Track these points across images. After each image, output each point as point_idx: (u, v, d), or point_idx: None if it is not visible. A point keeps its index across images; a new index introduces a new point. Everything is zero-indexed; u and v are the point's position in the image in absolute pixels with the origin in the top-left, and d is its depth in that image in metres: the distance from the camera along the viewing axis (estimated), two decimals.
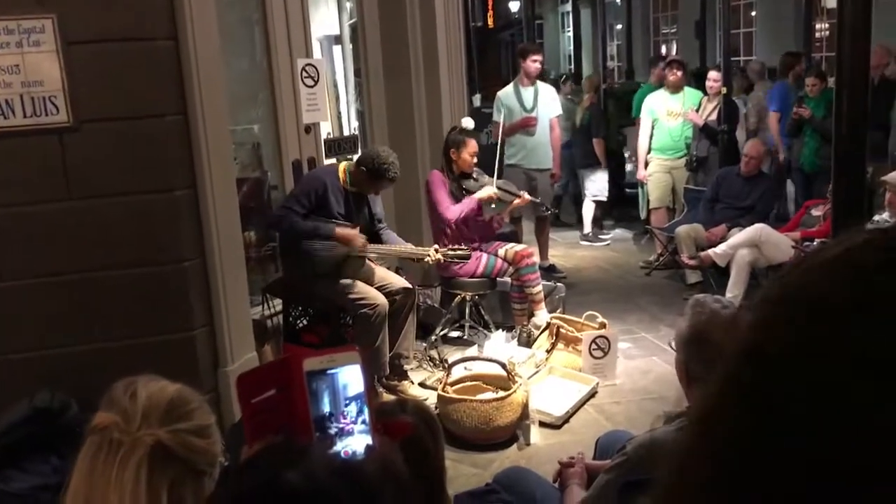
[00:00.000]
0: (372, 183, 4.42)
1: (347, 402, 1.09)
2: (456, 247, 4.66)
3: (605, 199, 8.24)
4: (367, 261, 4.53)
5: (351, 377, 1.09)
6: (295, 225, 4.27)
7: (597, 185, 8.13)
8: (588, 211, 8.24)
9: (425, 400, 4.36)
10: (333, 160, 5.08)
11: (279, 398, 1.06)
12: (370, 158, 4.38)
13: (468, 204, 4.98)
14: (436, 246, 4.60)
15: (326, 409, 1.07)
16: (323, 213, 4.32)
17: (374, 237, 4.54)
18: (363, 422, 1.08)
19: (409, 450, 1.74)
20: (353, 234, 4.31)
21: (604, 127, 8.09)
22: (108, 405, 1.35)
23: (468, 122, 5.25)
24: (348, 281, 4.37)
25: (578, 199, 8.56)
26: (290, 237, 4.38)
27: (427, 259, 4.55)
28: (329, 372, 1.07)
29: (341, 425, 1.07)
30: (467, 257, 4.68)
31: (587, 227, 8.27)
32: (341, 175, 4.42)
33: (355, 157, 4.65)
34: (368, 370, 4.34)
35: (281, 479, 0.68)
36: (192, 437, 1.32)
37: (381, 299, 4.34)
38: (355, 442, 1.07)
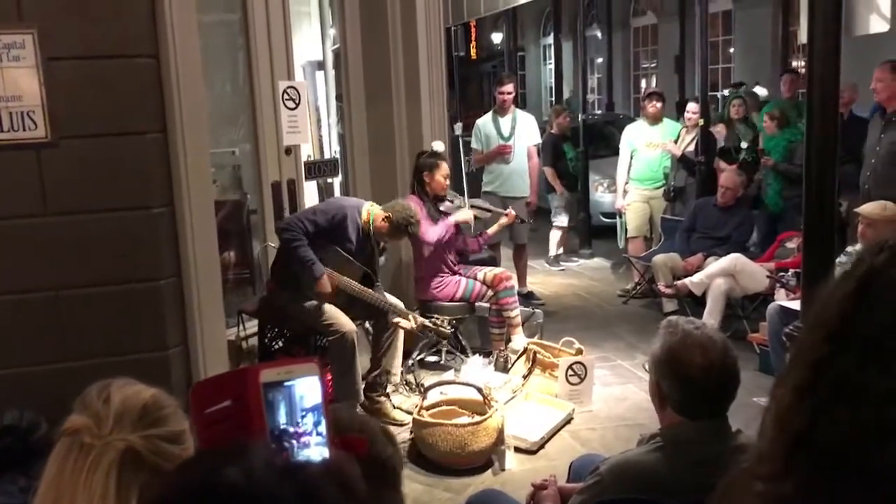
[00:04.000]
0: (392, 233, 4.53)
1: (304, 413, 1.07)
2: (438, 322, 4.67)
3: (564, 225, 8.31)
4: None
5: (308, 388, 1.07)
6: (296, 245, 4.23)
7: (557, 211, 8.22)
8: (553, 236, 8.34)
9: (404, 424, 4.36)
10: (314, 182, 5.09)
11: (234, 409, 1.04)
12: (400, 213, 4.48)
13: (445, 227, 5.01)
14: (416, 313, 4.66)
15: (283, 420, 1.05)
16: (336, 241, 4.34)
17: (368, 280, 4.55)
18: (319, 433, 1.07)
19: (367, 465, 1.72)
20: (330, 290, 4.29)
21: (550, 156, 8.15)
22: (81, 408, 1.32)
23: (438, 145, 5.29)
24: (321, 305, 4.36)
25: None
26: (286, 250, 4.35)
27: (407, 325, 4.53)
28: (286, 384, 1.05)
29: (297, 437, 1.05)
30: (447, 336, 4.75)
31: (551, 251, 8.35)
32: (364, 214, 4.47)
33: (383, 205, 4.65)
34: (345, 397, 4.32)
35: (219, 476, 0.66)
36: (164, 444, 1.30)
37: (349, 326, 4.32)
38: (312, 454, 1.05)
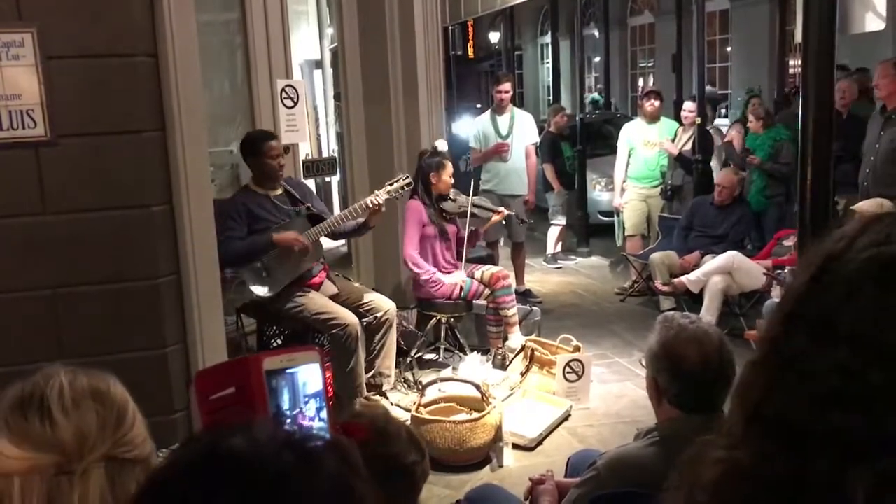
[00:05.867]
0: (262, 161, 4.32)
1: (306, 399, 1.09)
2: (393, 180, 4.56)
3: (562, 223, 8.31)
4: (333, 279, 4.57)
5: (310, 375, 1.09)
6: (234, 248, 4.18)
7: (555, 210, 8.24)
8: (550, 234, 8.36)
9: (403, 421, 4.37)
10: (312, 181, 5.11)
11: (238, 396, 1.06)
12: (243, 146, 4.40)
13: (427, 273, 5.01)
14: (375, 193, 4.49)
15: (285, 406, 1.07)
16: (259, 229, 4.30)
17: (316, 219, 4.46)
18: (322, 419, 1.09)
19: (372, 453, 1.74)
20: (290, 235, 4.25)
21: (548, 155, 8.17)
22: (25, 441, 1.14)
23: (442, 144, 5.30)
24: (319, 301, 4.36)
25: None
26: (238, 264, 4.30)
27: (373, 202, 4.39)
28: (289, 371, 1.07)
29: (300, 422, 1.07)
30: (409, 184, 4.60)
31: (549, 248, 8.37)
32: (253, 187, 4.41)
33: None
34: (347, 393, 4.34)
35: (223, 445, 0.69)
36: (128, 435, 1.21)
37: (350, 319, 4.33)
38: None
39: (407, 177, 4.62)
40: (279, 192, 4.42)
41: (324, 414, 1.08)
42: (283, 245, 4.25)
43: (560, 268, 8.32)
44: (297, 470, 0.67)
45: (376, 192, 4.50)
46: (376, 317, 4.56)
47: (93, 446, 1.15)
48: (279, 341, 4.62)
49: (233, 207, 4.31)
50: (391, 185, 4.51)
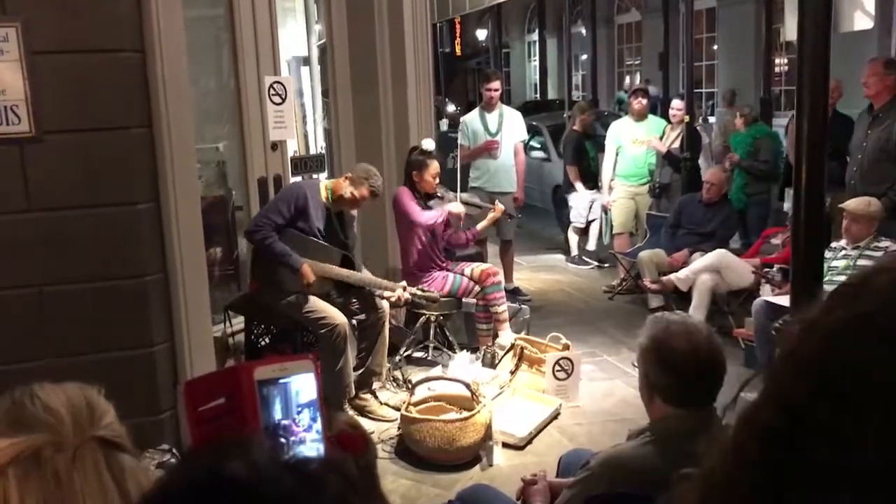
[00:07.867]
0: (347, 194, 4.40)
1: (300, 409, 1.06)
2: (425, 289, 4.70)
3: (581, 224, 8.24)
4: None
5: (303, 384, 1.06)
6: (269, 242, 4.19)
7: (575, 210, 8.17)
8: (592, 233, 8.27)
9: (392, 420, 4.36)
10: (299, 178, 5.07)
11: (228, 406, 1.03)
12: (359, 170, 4.44)
13: (441, 213, 5.01)
14: (404, 283, 4.60)
15: (278, 416, 1.04)
16: (303, 225, 4.29)
17: (347, 261, 4.50)
18: (316, 430, 1.06)
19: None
20: (311, 276, 4.25)
21: (572, 155, 8.12)
22: (18, 424, 1.15)
23: (429, 144, 5.27)
24: (310, 298, 4.33)
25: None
26: (262, 250, 4.32)
27: (394, 296, 4.52)
28: (281, 381, 1.04)
29: (293, 434, 1.04)
30: (436, 300, 4.71)
31: (573, 249, 8.31)
32: (323, 191, 4.42)
33: (339, 176, 4.66)
34: (335, 393, 4.31)
35: (222, 470, 0.66)
36: (113, 424, 1.19)
37: (340, 318, 4.30)
38: (307, 450, 1.04)
39: (436, 294, 4.76)
40: (336, 208, 4.51)
41: (318, 425, 1.05)
42: (300, 276, 4.24)
43: (609, 265, 8.17)
44: (301, 495, 0.64)
45: (407, 285, 4.59)
46: (368, 314, 4.54)
47: (84, 425, 1.15)
48: (267, 340, 4.58)
49: (294, 196, 4.30)
50: (422, 291, 4.66)
